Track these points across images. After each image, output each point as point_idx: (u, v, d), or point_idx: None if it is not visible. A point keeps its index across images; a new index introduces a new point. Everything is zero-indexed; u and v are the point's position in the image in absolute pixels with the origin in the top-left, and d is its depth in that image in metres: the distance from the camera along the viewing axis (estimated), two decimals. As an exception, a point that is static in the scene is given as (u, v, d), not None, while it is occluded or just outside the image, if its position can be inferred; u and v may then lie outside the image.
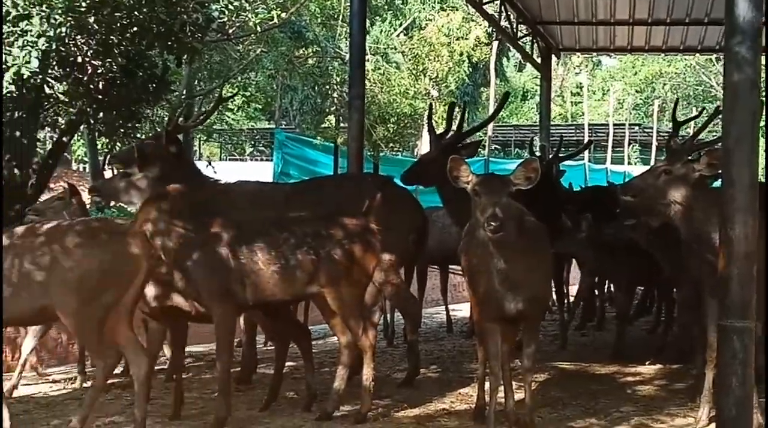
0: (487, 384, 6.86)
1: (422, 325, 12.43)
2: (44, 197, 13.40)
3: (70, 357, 10.84)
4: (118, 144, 14.42)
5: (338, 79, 21.20)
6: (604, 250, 9.58)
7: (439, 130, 9.14)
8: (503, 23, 15.58)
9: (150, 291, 6.72)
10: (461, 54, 21.78)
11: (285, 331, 7.53)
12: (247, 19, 10.98)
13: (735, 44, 4.92)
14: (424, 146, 30.77)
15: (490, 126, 33.24)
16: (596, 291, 12.17)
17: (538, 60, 17.15)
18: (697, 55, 20.92)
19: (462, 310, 13.31)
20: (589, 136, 37.13)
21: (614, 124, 41.21)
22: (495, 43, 28.78)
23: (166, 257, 6.45)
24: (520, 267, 5.84)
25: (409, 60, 22.15)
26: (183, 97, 16.30)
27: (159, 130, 15.49)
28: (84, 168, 30.73)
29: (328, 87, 21.57)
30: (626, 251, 9.13)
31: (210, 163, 19.87)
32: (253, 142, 36.20)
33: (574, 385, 8.16)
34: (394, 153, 23.81)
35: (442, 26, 21.86)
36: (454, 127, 8.92)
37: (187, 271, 6.47)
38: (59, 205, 8.96)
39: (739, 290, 4.95)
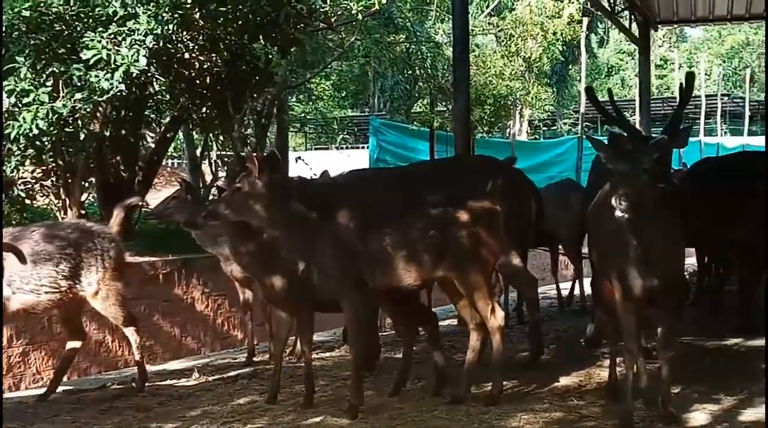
0: (618, 361, 6.89)
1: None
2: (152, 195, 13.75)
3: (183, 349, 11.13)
4: (221, 138, 14.71)
5: (429, 63, 21.15)
6: None
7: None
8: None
9: (278, 281, 6.84)
10: (554, 33, 21.60)
11: (412, 316, 7.54)
12: (349, 7, 10.98)
13: None
14: (515, 128, 30.73)
15: (582, 103, 32.98)
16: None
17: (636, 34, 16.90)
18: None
19: (567, 289, 13.21)
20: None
21: (706, 96, 40.45)
22: (585, 20, 28.46)
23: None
24: (657, 244, 5.78)
25: (503, 41, 22.04)
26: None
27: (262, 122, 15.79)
28: (174, 163, 31.18)
29: (419, 72, 21.53)
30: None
31: (300, 158, 19.94)
32: (347, 131, 36.42)
33: (702, 361, 8.04)
34: (490, 135, 23.78)
35: (534, 5, 21.68)
36: None
37: (318, 261, 6.54)
38: (175, 205, 9.05)
39: None
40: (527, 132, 38.41)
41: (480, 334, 7.03)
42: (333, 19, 12.80)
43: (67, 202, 11.33)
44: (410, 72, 22.11)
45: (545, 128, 47.70)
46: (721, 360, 8.13)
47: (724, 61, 59.65)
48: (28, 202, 11.53)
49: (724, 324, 9.71)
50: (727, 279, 11.32)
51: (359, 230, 6.55)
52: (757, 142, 35.91)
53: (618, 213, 5.40)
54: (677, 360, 7.71)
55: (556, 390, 7.26)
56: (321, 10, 11.46)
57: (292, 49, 11.96)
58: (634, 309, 6.05)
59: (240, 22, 10.58)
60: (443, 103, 21.13)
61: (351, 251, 6.50)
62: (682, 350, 8.55)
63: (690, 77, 7.08)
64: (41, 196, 11.87)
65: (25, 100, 9.22)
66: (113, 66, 9.27)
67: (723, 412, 6.39)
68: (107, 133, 11.64)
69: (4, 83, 9.13)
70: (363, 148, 32.05)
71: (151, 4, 9.37)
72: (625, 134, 6.47)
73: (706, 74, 48.36)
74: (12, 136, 9.24)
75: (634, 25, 16.76)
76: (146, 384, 7.87)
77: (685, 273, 10.87)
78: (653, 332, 6.47)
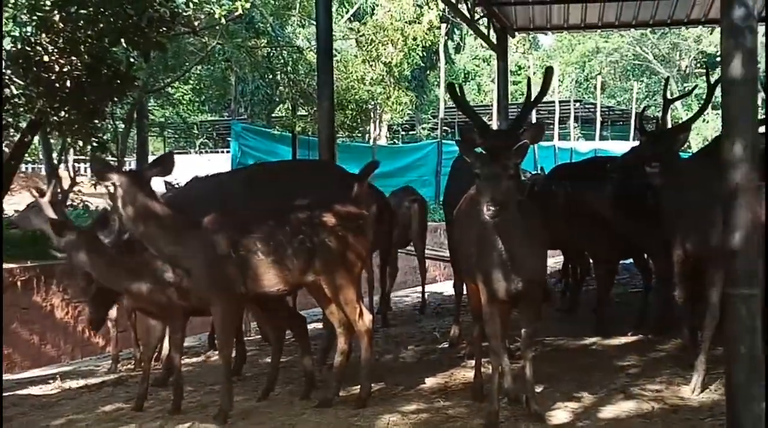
0: (483, 361, 7.04)
1: (395, 308, 12.57)
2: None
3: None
4: (79, 142, 14.39)
5: (290, 68, 21.14)
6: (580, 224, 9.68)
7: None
8: (460, 5, 15.70)
9: (145, 287, 6.78)
10: (414, 38, 21.83)
11: (281, 320, 7.56)
12: (211, 11, 10.91)
13: (734, 13, 5.01)
14: (375, 133, 30.93)
15: (441, 108, 33.40)
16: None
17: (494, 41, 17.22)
18: (632, 29, 21.30)
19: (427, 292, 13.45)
20: (536, 115, 37.41)
21: (560, 101, 41.50)
22: (443, 26, 28.87)
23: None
24: (522, 248, 5.94)
25: (364, 46, 22.15)
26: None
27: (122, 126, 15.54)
28: (31, 168, 30.38)
29: (280, 76, 21.50)
30: (603, 224, 9.26)
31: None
32: (207, 136, 36.03)
33: (563, 360, 8.26)
34: (350, 140, 23.90)
35: (394, 11, 21.88)
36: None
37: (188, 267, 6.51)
38: (34, 213, 8.91)
39: (744, 259, 5.06)
40: (387, 136, 38.70)
41: (347, 338, 7.12)
42: (196, 23, 12.69)
43: None
44: (272, 76, 22.07)
45: (405, 133, 48.14)
46: (582, 359, 8.37)
47: (577, 68, 61.28)
48: None
49: (583, 324, 10.00)
50: (584, 281, 11.67)
51: (228, 236, 6.54)
52: (608, 146, 37.06)
53: (486, 216, 5.52)
54: (540, 359, 7.95)
55: (422, 392, 7.36)
56: (184, 14, 11.37)
57: (154, 53, 11.80)
58: (498, 310, 6.20)
59: (101, 25, 10.38)
60: (305, 108, 21.13)
61: (221, 257, 6.49)
62: (545, 350, 8.80)
63: (549, 71, 7.31)
64: None
65: None
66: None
67: (584, 410, 6.57)
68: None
69: None
70: (224, 152, 31.79)
71: (9, 5, 9.15)
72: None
73: (559, 81, 49.57)
74: None
75: (492, 32, 17.06)
76: (6, 393, 7.69)
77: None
78: (516, 333, 6.64)
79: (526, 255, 6.01)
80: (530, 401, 6.39)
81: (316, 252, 6.64)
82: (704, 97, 8.42)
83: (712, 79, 8.08)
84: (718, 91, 5.87)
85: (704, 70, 11.34)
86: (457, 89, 7.32)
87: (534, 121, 8.41)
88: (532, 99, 7.38)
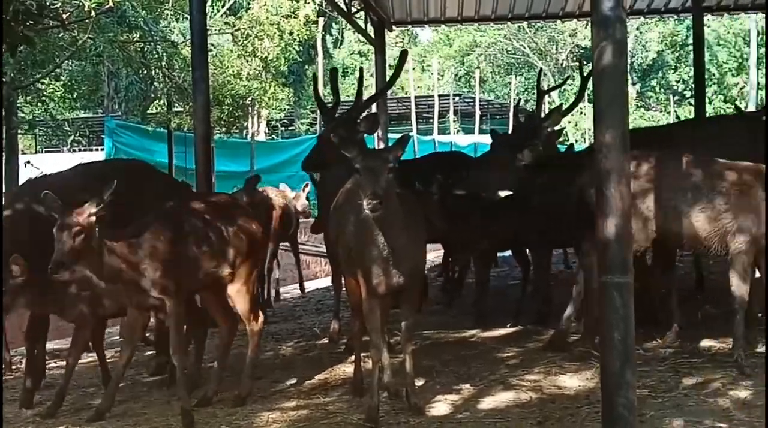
0: (363, 356, 7.01)
1: (275, 305, 12.48)
2: None
3: None
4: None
5: (165, 63, 20.79)
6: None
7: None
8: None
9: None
10: (291, 33, 21.68)
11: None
12: (81, 4, 10.62)
13: (603, 5, 5.05)
14: (253, 128, 30.66)
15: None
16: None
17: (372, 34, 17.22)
18: (509, 23, 21.72)
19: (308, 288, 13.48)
20: (415, 108, 37.66)
21: (439, 96, 41.76)
22: (321, 21, 28.79)
23: None
24: (401, 241, 5.92)
25: (240, 41, 21.92)
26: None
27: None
28: None
29: (155, 71, 21.14)
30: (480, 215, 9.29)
31: (29, 162, 19.18)
32: (80, 133, 35.23)
33: (443, 353, 8.28)
34: (228, 136, 23.64)
35: (270, 5, 21.68)
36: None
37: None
38: None
39: (617, 247, 5.10)
40: (266, 132, 38.47)
41: (230, 337, 7.11)
42: (65, 17, 12.35)
43: None
44: (146, 72, 21.69)
45: (284, 128, 47.90)
46: (461, 351, 8.39)
47: (454, 63, 61.82)
48: None
49: (462, 316, 10.06)
50: (464, 274, 11.74)
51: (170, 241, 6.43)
52: (487, 139, 37.45)
53: (366, 210, 5.49)
54: (420, 353, 7.97)
55: (302, 388, 7.32)
56: (52, 6, 11.05)
57: (21, 48, 11.43)
58: (378, 305, 6.18)
59: (-38, 19, 10.00)
60: (180, 104, 20.82)
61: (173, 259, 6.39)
62: (425, 343, 8.81)
63: (403, 54, 7.36)
64: None
65: None
66: None
67: (464, 401, 6.60)
68: None
69: None
70: (98, 150, 31.16)
71: None
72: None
73: (439, 75, 49.95)
74: None
75: (369, 26, 17.06)
76: None
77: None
78: (396, 327, 6.64)
79: (406, 249, 5.99)
80: (410, 395, 6.39)
81: (226, 251, 6.67)
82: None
83: (585, 72, 8.21)
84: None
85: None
86: (338, 77, 7.36)
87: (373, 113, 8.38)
88: (387, 81, 7.52)
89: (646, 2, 17.35)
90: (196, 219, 6.63)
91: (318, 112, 33.72)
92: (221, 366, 7.07)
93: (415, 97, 39.21)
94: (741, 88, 49.67)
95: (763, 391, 6.28)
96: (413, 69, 46.45)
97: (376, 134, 16.45)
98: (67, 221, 5.77)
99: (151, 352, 8.69)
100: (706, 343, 8.00)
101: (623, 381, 5.08)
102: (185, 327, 6.92)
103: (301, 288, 13.82)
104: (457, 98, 47.32)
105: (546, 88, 9.80)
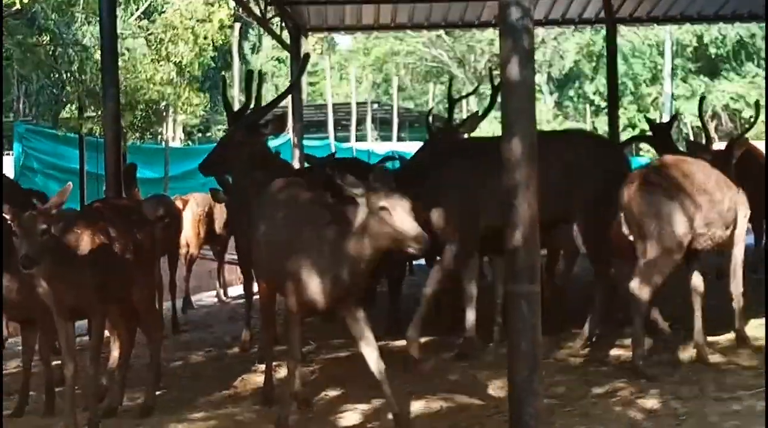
0: (274, 366, 7.02)
1: (187, 312, 12.34)
2: None
3: None
4: None
5: (76, 67, 20.44)
6: None
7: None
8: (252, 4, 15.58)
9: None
10: (205, 38, 21.47)
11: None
12: (-15, 6, 10.39)
13: (511, 15, 5.06)
14: (168, 134, 30.33)
15: (236, 108, 32.90)
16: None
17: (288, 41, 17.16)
18: (425, 31, 21.85)
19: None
20: (333, 116, 37.61)
21: (357, 103, 41.71)
22: (237, 26, 28.53)
23: None
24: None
25: (153, 45, 21.63)
26: None
27: None
28: None
29: (66, 75, 20.77)
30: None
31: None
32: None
33: (355, 362, 8.23)
34: (142, 141, 23.26)
35: (184, 9, 21.45)
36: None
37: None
38: None
39: (524, 256, 5.12)
40: (181, 138, 38.08)
41: (129, 347, 7.00)
42: (-31, 19, 12.07)
43: None
44: (57, 76, 21.30)
45: (200, 134, 47.47)
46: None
47: (373, 71, 61.95)
48: None
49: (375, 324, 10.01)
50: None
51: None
52: (405, 147, 37.53)
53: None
54: (331, 363, 7.95)
55: (212, 398, 7.24)
56: (-44, 7, 10.79)
57: None
58: (300, 318, 6.12)
59: None
60: (93, 109, 20.48)
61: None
62: (337, 353, 8.76)
63: (305, 57, 7.44)
64: None
65: None
66: None
67: (374, 411, 6.58)
68: None
69: None
70: (7, 154, 30.52)
71: None
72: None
73: (357, 82, 49.96)
74: None
75: (286, 32, 16.99)
76: None
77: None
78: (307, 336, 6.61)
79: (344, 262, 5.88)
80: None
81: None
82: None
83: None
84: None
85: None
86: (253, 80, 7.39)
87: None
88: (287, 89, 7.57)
89: (560, 12, 17.50)
90: None
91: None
92: (122, 376, 6.95)
93: (333, 104, 39.15)
94: (654, 99, 50.42)
95: (670, 400, 6.38)
96: (331, 77, 46.42)
97: (291, 141, 16.48)
98: None
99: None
100: (615, 352, 8.09)
101: (530, 390, 5.10)
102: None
103: (225, 293, 13.76)
104: (375, 106, 47.33)
105: (457, 96, 9.94)
